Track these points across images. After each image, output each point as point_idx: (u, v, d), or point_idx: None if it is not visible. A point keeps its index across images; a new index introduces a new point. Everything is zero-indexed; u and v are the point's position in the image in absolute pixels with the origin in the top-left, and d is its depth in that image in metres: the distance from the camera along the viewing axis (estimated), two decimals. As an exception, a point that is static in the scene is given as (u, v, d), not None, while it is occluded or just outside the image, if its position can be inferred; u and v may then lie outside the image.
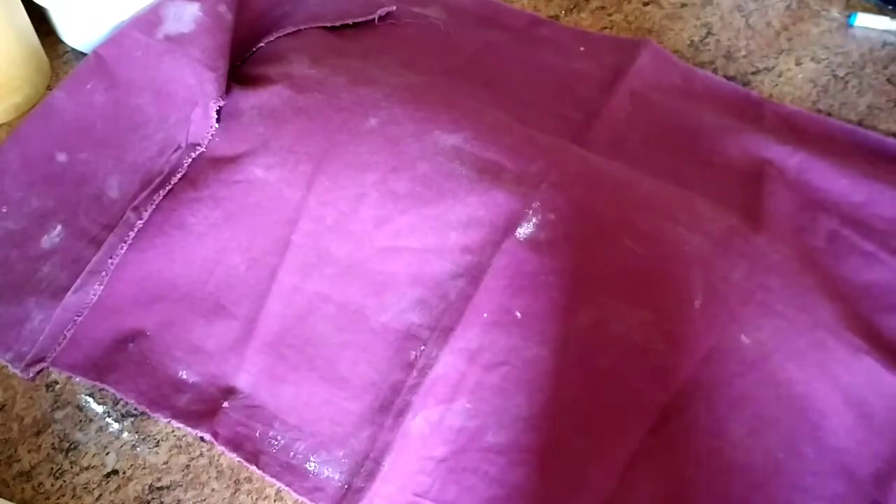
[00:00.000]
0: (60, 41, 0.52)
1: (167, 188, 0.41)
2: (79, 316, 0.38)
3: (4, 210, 0.41)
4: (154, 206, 0.40)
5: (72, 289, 0.38)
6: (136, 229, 0.39)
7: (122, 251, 0.39)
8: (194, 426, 0.37)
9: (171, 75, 0.43)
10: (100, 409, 0.38)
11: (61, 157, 0.42)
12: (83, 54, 0.51)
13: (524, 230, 0.38)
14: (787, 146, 0.44)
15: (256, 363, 0.38)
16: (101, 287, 0.38)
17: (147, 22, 0.44)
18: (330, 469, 0.36)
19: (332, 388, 0.38)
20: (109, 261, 0.38)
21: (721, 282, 0.37)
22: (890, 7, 0.54)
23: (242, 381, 0.38)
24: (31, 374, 0.37)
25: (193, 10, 0.44)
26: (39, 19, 0.49)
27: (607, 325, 0.36)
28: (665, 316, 0.37)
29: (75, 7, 0.47)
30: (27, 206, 0.41)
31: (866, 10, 0.54)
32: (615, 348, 0.36)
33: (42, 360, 0.37)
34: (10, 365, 0.37)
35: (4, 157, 0.42)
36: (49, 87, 0.49)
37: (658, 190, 0.41)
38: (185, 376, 0.38)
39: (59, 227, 0.40)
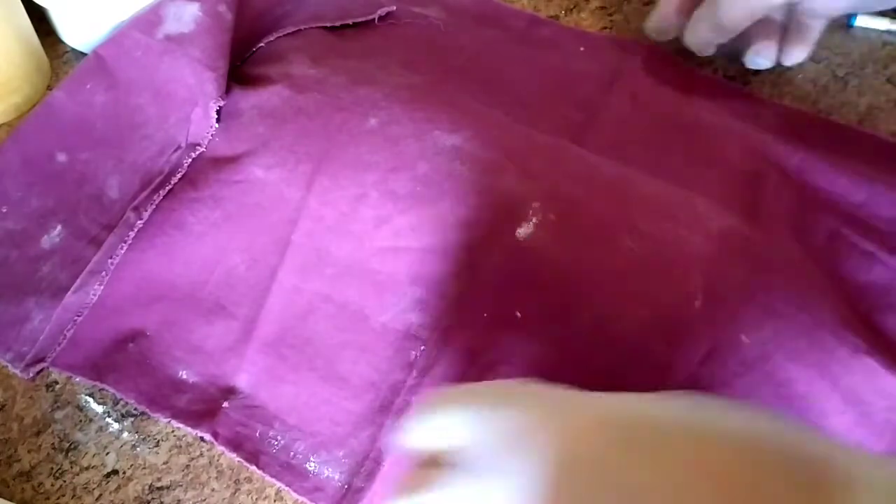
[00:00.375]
0: (60, 41, 0.51)
1: (167, 188, 0.41)
2: (79, 316, 0.38)
3: (4, 210, 0.41)
4: (154, 207, 0.40)
5: (72, 289, 0.38)
6: (135, 229, 0.39)
7: (122, 251, 0.39)
8: (194, 426, 0.37)
9: (171, 75, 0.43)
10: (100, 409, 0.38)
11: (61, 157, 0.42)
12: (83, 54, 0.51)
13: (524, 230, 0.38)
14: (786, 146, 0.44)
15: (256, 363, 0.38)
16: (101, 287, 0.38)
17: (147, 22, 0.44)
18: (330, 469, 0.36)
19: (332, 388, 0.38)
20: (109, 261, 0.38)
21: (721, 281, 0.37)
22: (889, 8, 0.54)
23: (242, 381, 0.38)
24: (31, 374, 0.37)
25: (193, 10, 0.44)
26: (39, 19, 0.49)
27: (607, 325, 0.36)
28: (665, 316, 0.36)
29: (75, 7, 0.47)
30: (27, 206, 0.41)
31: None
32: (615, 348, 0.36)
33: (42, 359, 0.37)
34: (9, 365, 0.37)
35: (4, 157, 0.42)
36: (49, 87, 0.49)
37: (658, 190, 0.41)
38: (185, 376, 0.38)
39: (59, 227, 0.40)
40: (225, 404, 0.38)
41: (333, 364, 0.38)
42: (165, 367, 0.39)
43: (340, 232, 0.39)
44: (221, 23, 0.44)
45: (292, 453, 0.37)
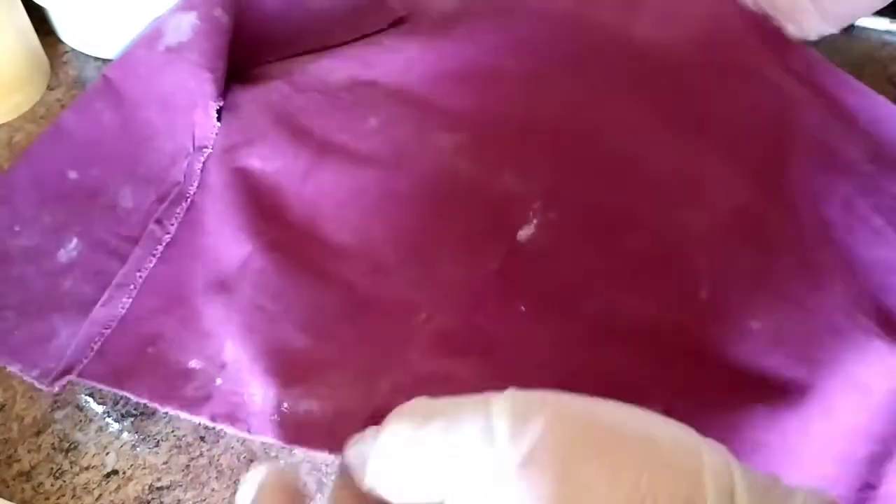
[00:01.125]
0: (60, 41, 0.51)
1: (188, 199, 0.40)
2: (107, 329, 0.37)
3: (17, 228, 0.41)
4: (180, 220, 0.40)
5: (100, 302, 0.38)
6: (163, 243, 0.39)
7: (152, 264, 0.39)
8: (196, 412, 0.36)
9: (174, 82, 0.43)
10: (100, 409, 0.38)
11: (72, 175, 0.42)
12: (83, 54, 0.51)
13: (525, 232, 0.38)
14: (809, 102, 0.44)
15: (240, 326, 0.37)
16: (130, 300, 0.38)
17: (149, 38, 0.44)
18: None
19: (330, 354, 0.37)
20: (138, 274, 0.39)
21: (729, 268, 0.37)
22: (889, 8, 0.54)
23: (230, 352, 0.37)
24: (56, 388, 0.36)
25: (191, 19, 0.44)
26: (39, 19, 0.49)
27: (612, 320, 0.37)
28: (671, 308, 0.37)
29: (75, 7, 0.47)
30: (39, 222, 0.41)
31: (866, 10, 0.54)
32: (621, 343, 0.36)
33: (68, 372, 0.36)
34: (35, 381, 0.37)
35: (15, 177, 0.42)
36: (49, 87, 0.49)
37: (665, 170, 0.41)
38: (193, 364, 0.38)
39: (75, 240, 0.40)
40: (218, 381, 0.37)
41: (331, 337, 0.37)
42: (179, 363, 0.38)
43: (340, 221, 0.39)
44: (218, 27, 0.44)
45: (279, 404, 0.35)
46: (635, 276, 0.37)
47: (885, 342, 0.35)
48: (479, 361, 0.35)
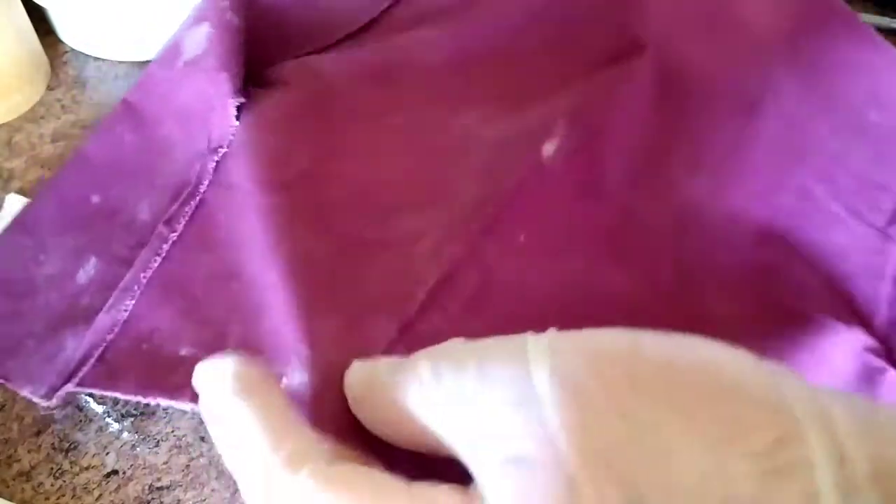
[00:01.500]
0: (60, 41, 0.52)
1: (197, 198, 0.40)
2: (110, 334, 0.37)
3: (42, 258, 0.40)
4: (187, 218, 0.40)
5: (104, 308, 0.37)
6: (169, 242, 0.39)
7: (156, 264, 0.39)
8: (179, 398, 0.36)
9: (191, 92, 0.43)
10: (100, 409, 0.38)
11: (95, 199, 0.42)
12: (83, 54, 0.51)
13: (550, 146, 0.39)
14: (791, 68, 0.43)
15: (250, 308, 0.37)
16: (133, 302, 0.38)
17: (169, 57, 0.44)
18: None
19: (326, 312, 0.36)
20: (142, 275, 0.38)
21: (691, 256, 0.39)
22: (889, 7, 0.54)
23: (235, 333, 0.37)
24: (55, 401, 0.36)
25: (205, 29, 0.44)
26: (39, 19, 0.49)
27: (598, 275, 0.38)
28: (643, 283, 0.38)
29: (75, 7, 0.47)
30: (62, 248, 0.41)
31: (867, 9, 0.54)
32: (601, 301, 0.37)
33: (67, 380, 0.36)
34: (42, 401, 0.36)
35: (42, 207, 0.42)
36: (49, 87, 0.49)
37: (667, 141, 0.43)
38: (184, 353, 0.37)
39: (93, 259, 0.40)
40: None
41: (339, 293, 0.36)
42: (170, 353, 0.37)
43: (351, 211, 0.40)
44: (231, 29, 0.44)
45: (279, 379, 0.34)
46: (617, 241, 0.39)
47: (847, 326, 0.36)
48: (476, 304, 0.35)
